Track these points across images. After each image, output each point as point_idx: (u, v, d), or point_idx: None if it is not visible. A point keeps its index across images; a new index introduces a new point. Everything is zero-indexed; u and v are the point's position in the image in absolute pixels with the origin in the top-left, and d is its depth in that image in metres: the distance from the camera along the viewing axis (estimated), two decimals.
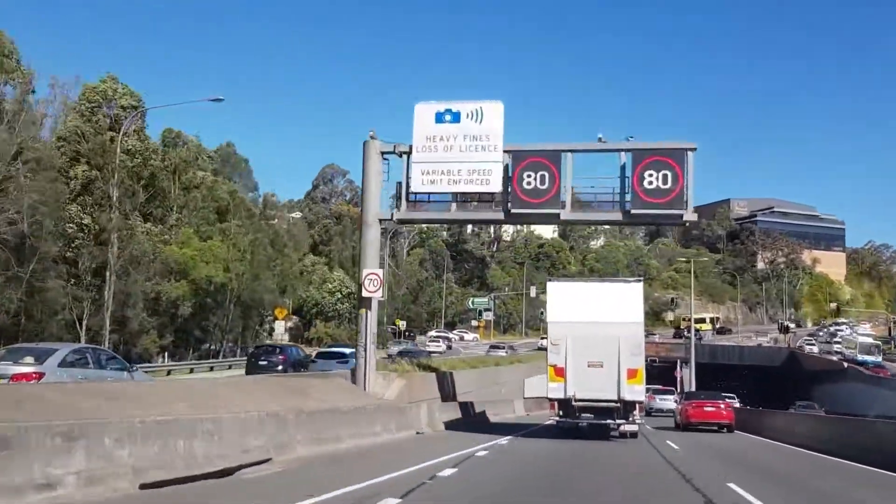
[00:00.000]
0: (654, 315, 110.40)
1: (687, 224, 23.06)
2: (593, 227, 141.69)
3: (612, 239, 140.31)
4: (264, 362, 26.89)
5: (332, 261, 78.11)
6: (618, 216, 22.47)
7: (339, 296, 69.74)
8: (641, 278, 24.52)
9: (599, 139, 22.30)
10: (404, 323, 73.38)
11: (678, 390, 58.50)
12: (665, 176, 21.41)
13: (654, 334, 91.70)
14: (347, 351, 28.99)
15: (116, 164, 34.21)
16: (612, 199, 22.65)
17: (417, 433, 20.36)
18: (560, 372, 19.67)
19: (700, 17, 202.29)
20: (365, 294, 22.77)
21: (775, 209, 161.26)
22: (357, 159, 23.99)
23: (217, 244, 39.72)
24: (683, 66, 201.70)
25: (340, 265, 76.22)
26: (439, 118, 22.81)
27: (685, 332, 78.03)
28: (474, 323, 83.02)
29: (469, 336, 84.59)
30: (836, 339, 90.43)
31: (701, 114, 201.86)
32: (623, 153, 22.20)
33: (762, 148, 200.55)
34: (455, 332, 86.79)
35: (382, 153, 23.44)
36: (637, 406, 20.15)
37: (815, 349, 79.95)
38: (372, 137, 23.39)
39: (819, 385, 64.88)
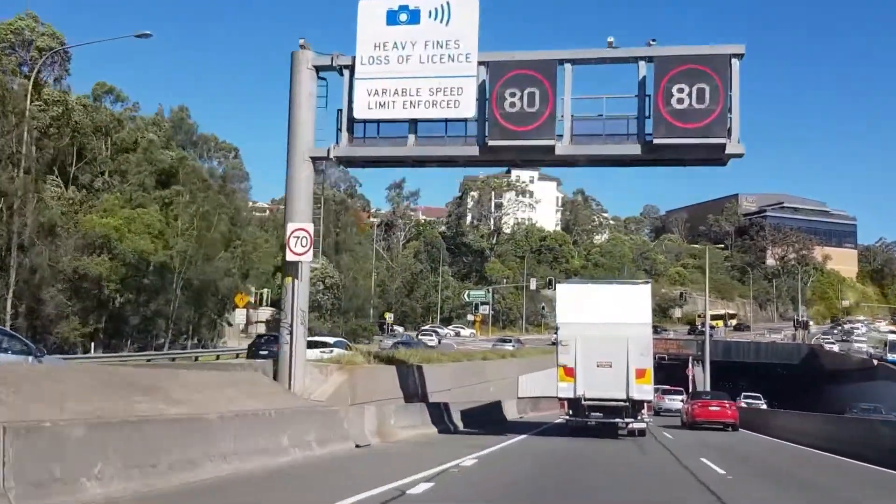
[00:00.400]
0: (661, 312, 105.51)
1: (728, 162, 16.89)
2: (597, 221, 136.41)
3: (618, 233, 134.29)
4: (265, 352, 25.24)
5: (315, 247, 71.58)
6: (635, 149, 16.31)
7: (322, 286, 63.53)
8: (649, 281, 24.39)
9: (609, 44, 16.20)
10: (391, 316, 67.13)
11: (690, 389, 53.36)
12: (701, 91, 15.35)
13: (668, 331, 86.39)
14: (331, 340, 28.14)
15: (27, 115, 28.23)
16: (627, 132, 16.62)
17: (358, 447, 14.52)
18: (570, 372, 19.74)
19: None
20: (290, 257, 16.81)
21: (785, 204, 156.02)
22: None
23: (150, 213, 33.30)
24: None
25: (324, 252, 69.38)
26: (392, 19, 16.76)
27: (699, 328, 72.99)
28: (470, 317, 76.51)
29: (466, 331, 78.38)
30: (856, 337, 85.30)
31: None
32: (643, 63, 16.11)
33: (771, 144, 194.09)
34: (451, 327, 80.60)
35: (317, 69, 17.40)
36: (645, 405, 20.44)
37: (836, 347, 74.42)
38: (302, 47, 17.34)
39: (842, 384, 59.34)
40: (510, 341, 58.54)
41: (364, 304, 62.04)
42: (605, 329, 19.51)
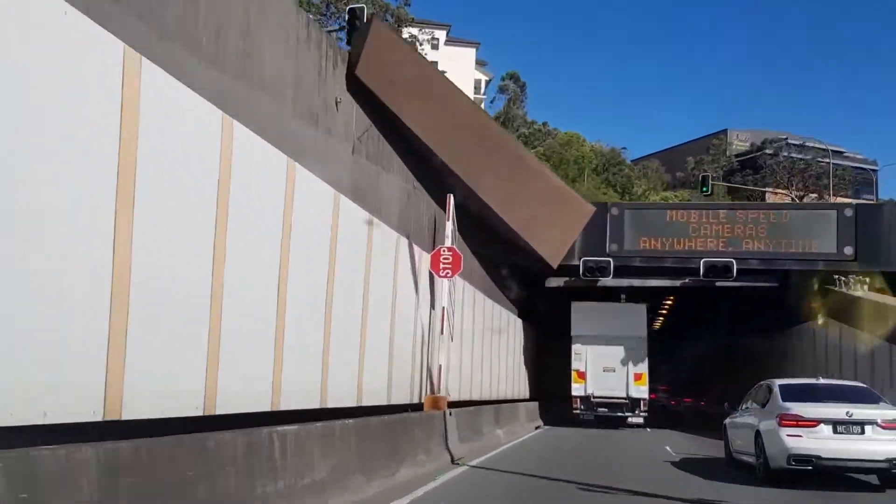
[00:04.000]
0: None
1: None
2: (541, 129, 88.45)
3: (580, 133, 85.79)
4: None
5: None
6: None
7: None
8: (645, 304, 28.52)
9: None
10: None
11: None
12: None
13: None
14: None
15: None
16: None
17: None
18: (582, 375, 26.75)
19: None
20: None
21: (788, 141, 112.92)
22: None
23: None
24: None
25: None
26: None
27: None
28: None
29: None
30: None
31: (697, 26, 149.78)
32: None
33: (768, 71, 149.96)
34: None
35: None
36: (641, 402, 27.08)
37: None
38: None
39: None
40: None
41: None
42: (610, 341, 26.44)
